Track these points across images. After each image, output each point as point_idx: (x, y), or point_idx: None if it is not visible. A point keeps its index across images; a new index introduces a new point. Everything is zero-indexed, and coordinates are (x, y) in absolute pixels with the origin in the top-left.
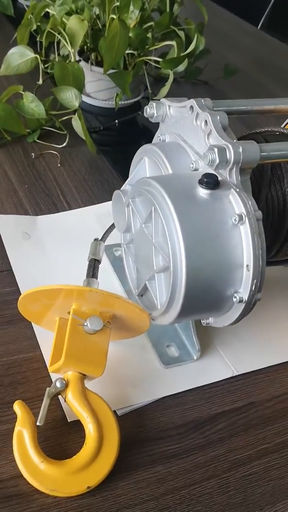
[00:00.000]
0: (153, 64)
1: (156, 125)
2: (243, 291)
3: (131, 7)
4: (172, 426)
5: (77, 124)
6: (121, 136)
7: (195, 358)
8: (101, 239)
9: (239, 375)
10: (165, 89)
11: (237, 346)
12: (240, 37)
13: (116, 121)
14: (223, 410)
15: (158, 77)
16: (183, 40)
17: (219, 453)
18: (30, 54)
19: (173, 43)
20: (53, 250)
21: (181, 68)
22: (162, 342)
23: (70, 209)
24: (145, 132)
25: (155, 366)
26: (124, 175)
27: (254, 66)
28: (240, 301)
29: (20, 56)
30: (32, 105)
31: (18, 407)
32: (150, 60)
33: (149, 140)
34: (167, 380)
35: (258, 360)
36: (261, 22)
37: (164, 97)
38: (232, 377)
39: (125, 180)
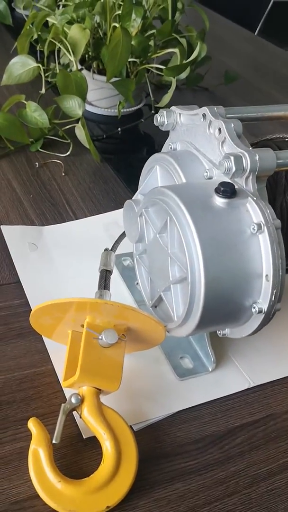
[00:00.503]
0: (155, 71)
1: (159, 132)
2: (263, 302)
3: (133, 15)
4: (190, 441)
5: (81, 133)
6: (124, 144)
7: (210, 369)
8: (111, 249)
9: (255, 386)
10: (167, 97)
11: (252, 356)
12: (238, 43)
13: (119, 129)
14: (241, 423)
15: (159, 84)
16: (185, 48)
17: (239, 468)
18: (32, 64)
19: (176, 50)
20: (61, 260)
21: (183, 75)
22: (175, 354)
23: (76, 219)
24: (147, 139)
25: (170, 379)
26: (128, 183)
27: (254, 72)
28: (260, 311)
29: (22, 65)
30: (35, 114)
31: (33, 424)
32: (152, 67)
33: (151, 147)
34: (183, 393)
35: (274, 370)
36: (258, 27)
37: (166, 104)
38: (248, 389)
39: (130, 188)
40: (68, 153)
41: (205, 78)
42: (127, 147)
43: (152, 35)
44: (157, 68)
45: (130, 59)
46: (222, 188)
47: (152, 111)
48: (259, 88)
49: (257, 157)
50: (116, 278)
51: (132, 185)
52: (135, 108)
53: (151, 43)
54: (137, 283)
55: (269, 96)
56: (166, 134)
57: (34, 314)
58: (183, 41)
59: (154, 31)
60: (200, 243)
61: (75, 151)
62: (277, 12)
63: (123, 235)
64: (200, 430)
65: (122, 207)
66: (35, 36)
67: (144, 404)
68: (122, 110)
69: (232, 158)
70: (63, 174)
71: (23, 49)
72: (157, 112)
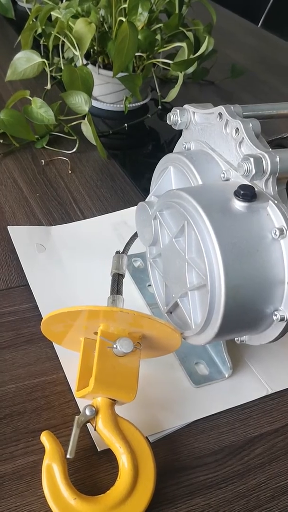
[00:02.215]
0: (161, 66)
1: (165, 127)
2: (284, 309)
3: (140, 9)
4: (208, 452)
5: (87, 129)
6: (130, 140)
7: (226, 376)
8: (122, 252)
9: (274, 393)
10: (174, 91)
11: (269, 361)
12: (242, 35)
13: (126, 124)
14: (260, 433)
15: (164, 78)
16: (192, 42)
17: (260, 481)
18: (37, 59)
19: (183, 44)
20: (69, 262)
21: (190, 69)
22: (190, 359)
23: (84, 218)
24: (154, 135)
25: (185, 386)
26: (135, 180)
27: (258, 65)
28: (282, 319)
29: (26, 61)
30: (41, 110)
31: (46, 438)
32: (158, 62)
33: (158, 142)
34: (199, 401)
35: None
36: (261, 19)
37: (174, 99)
38: (266, 396)
39: (137, 185)
40: (74, 149)
41: (211, 72)
42: (133, 143)
43: (158, 29)
44: (163, 63)
45: (136, 54)
46: (242, 192)
47: (159, 106)
48: (265, 81)
49: (277, 159)
50: (126, 279)
51: (139, 182)
52: (140, 103)
53: (158, 37)
54: (149, 285)
55: (274, 89)
56: (172, 129)
57: (46, 322)
58: (190, 35)
59: (160, 25)
60: (220, 249)
61: (81, 147)
62: (280, 3)
63: (134, 236)
64: (218, 441)
65: (130, 206)
66: (39, 31)
67: (160, 413)
68: (127, 105)
69: (251, 160)
70: (70, 171)
71: (26, 44)
72: (163, 107)
